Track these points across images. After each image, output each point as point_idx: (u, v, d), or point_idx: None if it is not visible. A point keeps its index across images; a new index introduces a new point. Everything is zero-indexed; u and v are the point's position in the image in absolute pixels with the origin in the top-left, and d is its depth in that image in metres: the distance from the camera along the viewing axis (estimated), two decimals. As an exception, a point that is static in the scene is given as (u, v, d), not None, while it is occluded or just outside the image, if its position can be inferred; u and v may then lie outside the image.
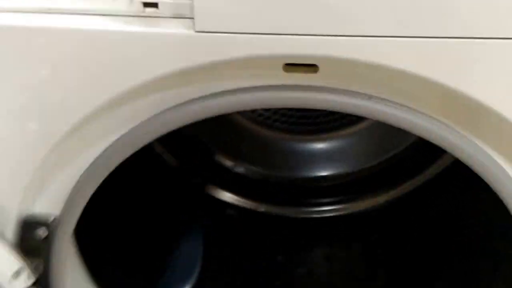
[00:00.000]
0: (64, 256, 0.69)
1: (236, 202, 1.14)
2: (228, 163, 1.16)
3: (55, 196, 0.66)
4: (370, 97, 0.53)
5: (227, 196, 1.14)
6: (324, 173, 1.11)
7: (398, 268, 0.95)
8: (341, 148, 1.09)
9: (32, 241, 0.67)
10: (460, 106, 0.51)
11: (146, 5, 0.56)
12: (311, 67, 0.54)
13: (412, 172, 1.01)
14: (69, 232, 0.68)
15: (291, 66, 0.55)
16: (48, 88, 0.58)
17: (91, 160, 0.64)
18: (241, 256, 1.06)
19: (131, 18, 0.56)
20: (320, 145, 1.11)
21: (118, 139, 0.62)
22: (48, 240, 0.68)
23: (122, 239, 0.93)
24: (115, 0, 0.57)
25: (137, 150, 0.62)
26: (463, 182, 0.95)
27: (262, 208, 1.15)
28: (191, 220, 1.04)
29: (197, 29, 0.53)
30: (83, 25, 0.56)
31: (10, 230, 0.66)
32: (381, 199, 1.05)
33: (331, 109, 0.54)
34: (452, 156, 0.96)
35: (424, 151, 1.00)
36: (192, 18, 0.54)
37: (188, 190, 1.10)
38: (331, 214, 1.08)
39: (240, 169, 1.16)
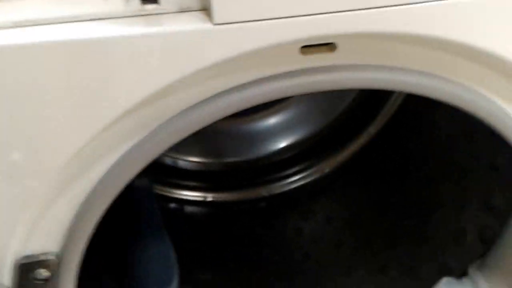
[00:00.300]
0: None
1: (189, 196, 1.11)
2: (167, 159, 1.12)
3: (53, 230, 0.59)
4: (391, 68, 0.54)
5: (179, 193, 1.10)
6: (279, 147, 1.11)
7: (364, 228, 0.99)
8: (288, 119, 1.10)
9: (31, 285, 0.59)
10: (484, 66, 0.54)
11: (144, 1, 0.51)
12: (328, 46, 0.54)
13: (360, 127, 1.06)
14: (74, 269, 0.61)
15: (308, 48, 0.53)
16: (42, 113, 0.51)
17: (93, 184, 0.57)
18: (210, 250, 1.03)
19: (130, 19, 0.50)
20: (267, 122, 1.11)
21: (123, 156, 0.56)
22: (50, 282, 0.60)
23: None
24: (106, 0, 0.51)
25: (146, 164, 0.57)
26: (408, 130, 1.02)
27: (210, 197, 1.13)
28: (150, 225, 0.98)
29: (216, 22, 0.49)
30: (76, 34, 0.49)
31: (6, 276, 0.58)
32: (337, 160, 1.08)
33: (352, 87, 0.54)
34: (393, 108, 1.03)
35: (367, 106, 1.05)
36: (201, 10, 0.51)
37: (139, 195, 1.04)
38: (293, 186, 1.10)
39: (182, 164, 1.13)
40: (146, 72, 0.51)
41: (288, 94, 0.55)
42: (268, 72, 0.54)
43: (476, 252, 0.77)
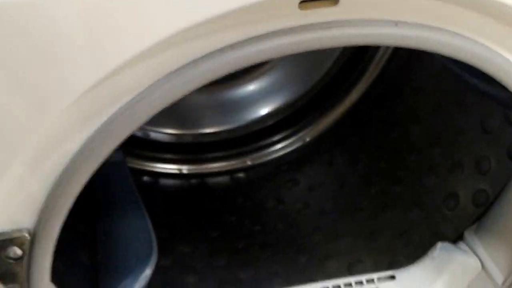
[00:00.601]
0: (46, 276, 0.57)
1: (163, 169, 1.06)
2: (138, 131, 1.06)
3: (26, 207, 0.53)
4: (396, 23, 0.50)
5: (153, 166, 1.05)
6: (257, 115, 1.06)
7: (351, 196, 0.96)
8: (266, 86, 1.05)
9: (3, 263, 0.54)
10: (491, 17, 0.51)
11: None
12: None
13: (342, 93, 1.02)
14: (49, 248, 0.56)
15: (308, 2, 0.49)
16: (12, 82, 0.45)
17: (68, 159, 0.52)
18: (188, 222, 0.99)
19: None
20: (245, 89, 1.05)
21: (99, 128, 0.51)
22: (23, 261, 0.55)
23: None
24: None
25: (125, 137, 0.52)
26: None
27: (186, 170, 1.08)
28: (126, 198, 0.92)
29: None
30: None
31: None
32: (319, 128, 1.05)
33: (355, 44, 0.50)
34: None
35: (348, 71, 1.01)
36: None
37: (113, 169, 0.98)
38: (274, 156, 1.06)
39: (155, 135, 1.07)
40: (133, 30, 0.45)
41: (286, 52, 0.50)
42: (264, 29, 0.50)
43: (469, 217, 0.75)
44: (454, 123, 0.81)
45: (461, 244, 0.72)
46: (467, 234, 0.72)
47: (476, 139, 0.76)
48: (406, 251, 0.83)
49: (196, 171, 1.07)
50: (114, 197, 0.91)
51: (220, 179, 1.07)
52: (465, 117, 0.79)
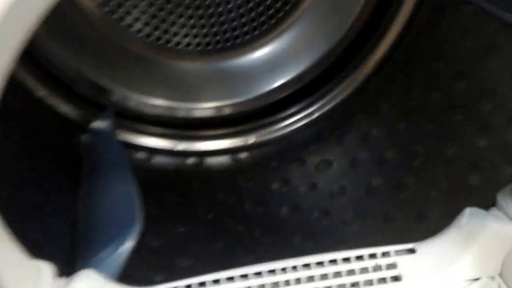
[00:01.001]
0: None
1: (156, 145, 0.98)
2: (131, 103, 0.97)
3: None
4: None
5: (145, 141, 0.97)
6: (264, 89, 0.97)
7: (362, 176, 0.87)
8: (278, 54, 0.96)
9: None
10: None
11: None
12: None
13: (356, 61, 0.93)
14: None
15: None
16: None
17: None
18: (184, 202, 0.90)
19: None
20: (249, 59, 0.97)
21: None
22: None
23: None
24: None
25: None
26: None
27: (181, 147, 1.00)
28: (111, 164, 0.83)
29: None
30: None
31: None
32: (329, 102, 0.96)
33: None
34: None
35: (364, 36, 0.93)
36: None
37: (100, 138, 0.89)
38: (279, 133, 0.97)
39: (148, 108, 0.98)
40: None
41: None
42: None
43: (501, 183, 0.64)
44: (482, 84, 0.72)
45: (493, 210, 0.61)
46: (501, 198, 0.61)
47: (508, 96, 0.67)
48: (424, 233, 0.72)
49: (193, 149, 0.99)
50: (100, 166, 0.83)
51: (220, 158, 0.99)
52: (495, 74, 0.69)
